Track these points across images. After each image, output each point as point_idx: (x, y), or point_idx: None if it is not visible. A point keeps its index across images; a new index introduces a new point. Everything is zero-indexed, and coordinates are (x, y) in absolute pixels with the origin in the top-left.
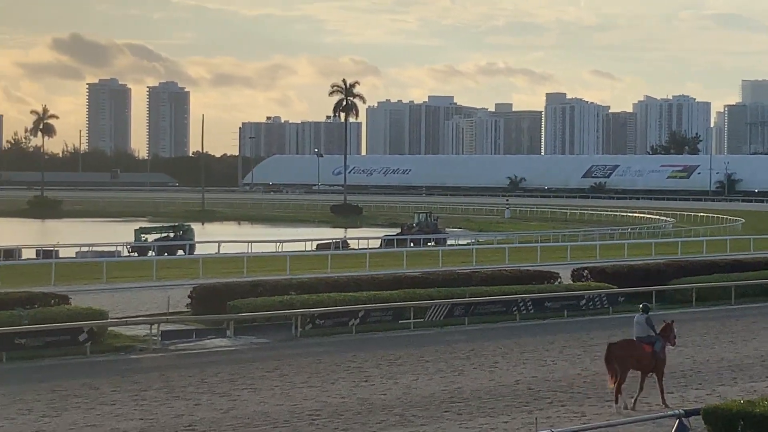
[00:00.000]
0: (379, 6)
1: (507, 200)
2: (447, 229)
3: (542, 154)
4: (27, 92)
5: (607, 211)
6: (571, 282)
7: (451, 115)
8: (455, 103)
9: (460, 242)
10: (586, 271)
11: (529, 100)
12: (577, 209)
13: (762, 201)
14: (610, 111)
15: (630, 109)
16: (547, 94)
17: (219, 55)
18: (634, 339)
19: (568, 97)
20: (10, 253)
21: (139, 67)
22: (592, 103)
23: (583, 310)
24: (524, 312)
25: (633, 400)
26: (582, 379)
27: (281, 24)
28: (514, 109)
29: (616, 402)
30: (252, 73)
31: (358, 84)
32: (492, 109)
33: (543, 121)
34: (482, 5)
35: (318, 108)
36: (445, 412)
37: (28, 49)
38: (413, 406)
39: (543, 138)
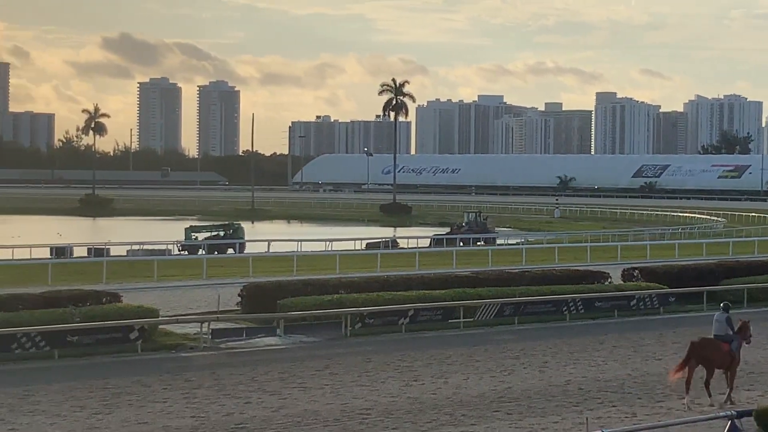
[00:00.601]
0: (429, 5)
1: (557, 200)
2: (496, 229)
3: (592, 153)
4: (78, 91)
5: (657, 211)
6: (622, 282)
7: (500, 115)
8: (505, 103)
9: (510, 242)
10: (636, 271)
11: (579, 99)
12: (627, 209)
13: None
14: (660, 110)
15: (680, 109)
16: (597, 93)
17: (267, 54)
18: (713, 337)
19: (618, 96)
20: (62, 251)
21: (188, 66)
22: (642, 102)
23: (633, 311)
24: (574, 312)
25: (725, 397)
26: (632, 380)
27: (331, 23)
28: (564, 109)
29: (687, 393)
30: (301, 72)
31: (408, 83)
32: (542, 108)
33: (593, 120)
34: (532, 4)
35: (366, 107)
36: (495, 411)
37: (79, 49)
38: (463, 406)
39: (593, 137)
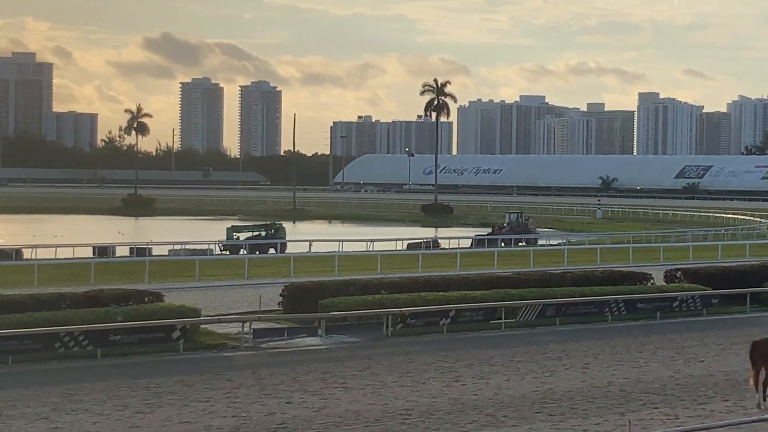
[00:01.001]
0: (471, 5)
1: (599, 200)
2: (538, 229)
3: (634, 154)
4: (119, 91)
5: (700, 212)
6: (664, 283)
7: (542, 115)
8: (547, 103)
9: (552, 242)
10: (679, 272)
11: (621, 99)
12: (669, 210)
13: None
14: (703, 111)
15: (724, 109)
16: (639, 93)
17: (308, 55)
18: None
19: (661, 96)
20: (105, 250)
21: (230, 66)
22: (685, 102)
23: (675, 312)
24: (616, 313)
25: None
26: (675, 382)
27: (372, 23)
28: (606, 109)
29: (763, 397)
30: (342, 72)
31: (449, 84)
32: (584, 108)
33: (635, 120)
34: (575, 4)
35: (408, 107)
36: (537, 413)
37: (121, 49)
38: (505, 407)
39: (635, 138)
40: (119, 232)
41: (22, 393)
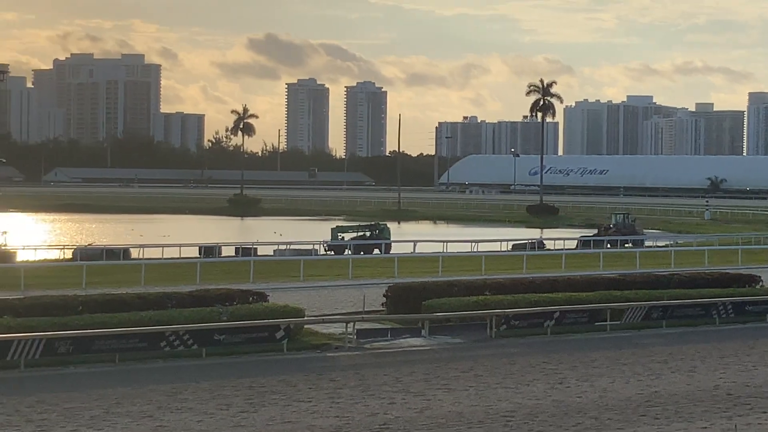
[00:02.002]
0: (575, 5)
1: (707, 201)
2: (645, 231)
3: (744, 154)
4: (224, 92)
5: None
6: None
7: (650, 115)
8: (654, 103)
9: (659, 244)
10: None
11: (729, 99)
12: None
13: None
14: None
15: None
16: (749, 93)
17: (412, 55)
18: None
19: None
20: (211, 250)
21: (333, 67)
22: None
23: None
24: (724, 316)
25: None
26: None
27: (476, 23)
28: (715, 109)
29: None
30: (445, 72)
31: (555, 84)
32: (692, 108)
33: (745, 120)
34: (683, 3)
35: (512, 107)
36: (642, 416)
37: (225, 50)
38: (609, 410)
39: (745, 138)
40: (276, 232)
41: (128, 391)
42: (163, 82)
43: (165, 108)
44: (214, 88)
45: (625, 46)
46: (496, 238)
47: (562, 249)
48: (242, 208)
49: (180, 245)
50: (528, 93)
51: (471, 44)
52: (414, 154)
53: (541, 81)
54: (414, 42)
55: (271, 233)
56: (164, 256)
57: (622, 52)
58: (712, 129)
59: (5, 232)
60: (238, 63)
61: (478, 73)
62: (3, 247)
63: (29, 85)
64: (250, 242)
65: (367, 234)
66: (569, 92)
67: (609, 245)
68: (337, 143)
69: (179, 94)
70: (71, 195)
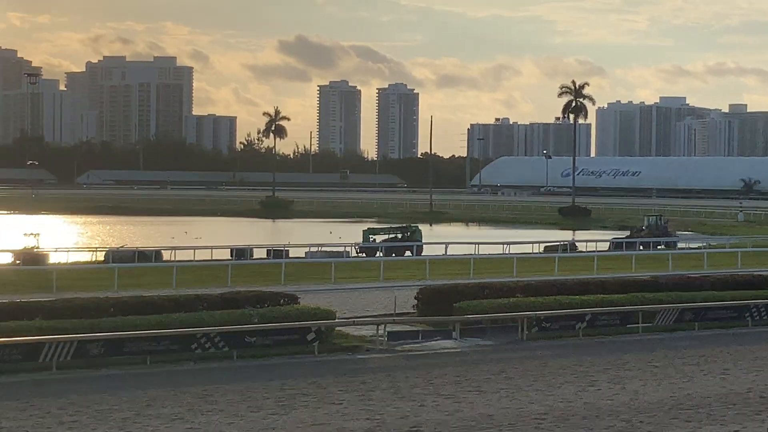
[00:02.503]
0: (609, 6)
1: (740, 203)
2: (677, 233)
3: None
4: (256, 94)
5: None
6: None
7: (682, 116)
8: (687, 104)
9: (691, 246)
10: None
11: (763, 100)
12: None
13: None
14: None
15: None
16: None
17: (443, 56)
18: None
19: None
20: (243, 252)
21: (364, 69)
22: None
23: None
24: (757, 318)
25: None
26: None
27: (508, 25)
28: (748, 110)
29: None
30: (476, 74)
31: (588, 85)
32: (725, 109)
33: None
34: (716, 4)
35: (544, 109)
36: (673, 419)
37: (256, 52)
38: (640, 412)
39: None
40: (332, 233)
41: (159, 393)
42: (194, 84)
43: (197, 110)
44: (245, 90)
45: (657, 47)
46: (528, 240)
47: (594, 251)
48: (274, 210)
49: (212, 247)
50: (560, 94)
51: (502, 46)
52: (446, 156)
53: (573, 82)
54: (445, 43)
55: (301, 235)
56: (196, 258)
57: (653, 54)
58: (745, 130)
59: (38, 235)
60: (269, 65)
61: (509, 74)
62: (35, 250)
63: (62, 87)
64: (282, 244)
65: (399, 236)
66: (600, 93)
67: (641, 247)
68: (368, 145)
69: (211, 97)
70: (104, 197)
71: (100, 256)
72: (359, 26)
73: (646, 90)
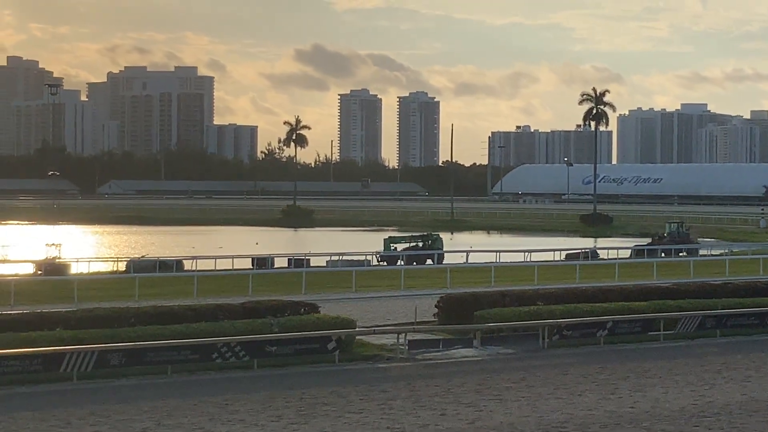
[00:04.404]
0: (628, 13)
1: (762, 210)
2: (699, 239)
3: None
4: (274, 103)
5: None
6: None
7: (704, 123)
8: (708, 111)
9: (713, 253)
10: None
11: None
12: None
13: None
14: None
15: None
16: None
17: (458, 64)
18: None
19: None
20: (264, 261)
21: (381, 77)
22: None
23: None
24: None
25: None
26: None
27: (527, 32)
28: None
29: None
30: (493, 82)
31: (608, 92)
32: (746, 116)
33: None
34: (736, 10)
35: (563, 116)
36: (695, 426)
37: (273, 61)
38: (662, 420)
39: None
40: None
41: (180, 403)
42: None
43: (217, 120)
44: (263, 99)
45: (676, 54)
46: (550, 248)
47: (615, 258)
48: (295, 219)
49: (233, 257)
50: (581, 102)
51: (518, 53)
52: (467, 164)
53: (594, 90)
54: (461, 51)
55: (322, 244)
56: (217, 268)
57: (671, 60)
58: (767, 136)
59: (59, 245)
60: (286, 74)
61: (526, 81)
62: (57, 260)
63: (83, 98)
64: (303, 253)
65: (420, 244)
66: (618, 100)
67: (663, 254)
68: (390, 153)
69: (229, 106)
70: (125, 207)
71: (122, 266)
72: (375, 35)
73: (664, 96)
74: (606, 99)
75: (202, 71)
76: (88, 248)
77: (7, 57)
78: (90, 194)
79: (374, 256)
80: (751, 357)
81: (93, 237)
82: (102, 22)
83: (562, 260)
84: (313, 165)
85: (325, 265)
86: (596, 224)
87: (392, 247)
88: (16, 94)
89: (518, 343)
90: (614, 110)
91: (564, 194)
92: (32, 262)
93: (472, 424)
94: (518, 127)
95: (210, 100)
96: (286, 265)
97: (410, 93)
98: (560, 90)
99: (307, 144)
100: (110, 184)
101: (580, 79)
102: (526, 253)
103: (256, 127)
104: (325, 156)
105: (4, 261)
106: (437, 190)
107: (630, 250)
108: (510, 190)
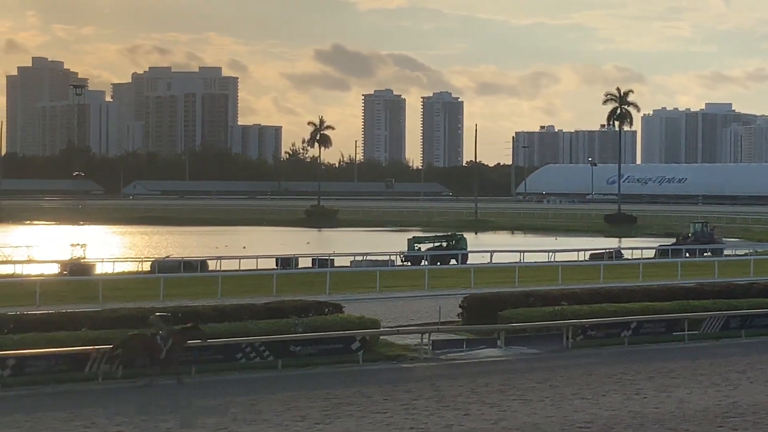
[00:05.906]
0: (652, 13)
1: None
2: (724, 239)
3: None
4: (295, 103)
5: None
6: None
7: (729, 123)
8: (733, 110)
9: (738, 253)
10: None
11: None
12: None
13: None
14: None
15: None
16: None
17: (480, 64)
18: None
19: None
20: (288, 261)
21: (402, 77)
22: None
23: None
24: None
25: None
26: None
27: (549, 32)
28: None
29: None
30: (514, 82)
31: (632, 92)
32: None
33: None
34: (760, 11)
35: (584, 115)
36: (719, 427)
37: (294, 62)
38: (686, 420)
39: None
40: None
41: (204, 403)
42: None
43: (240, 120)
44: (284, 99)
45: (699, 54)
46: (574, 248)
47: (640, 258)
48: (319, 219)
49: (257, 257)
50: (605, 102)
51: (540, 53)
52: (490, 164)
53: (618, 90)
54: (483, 51)
55: (346, 244)
56: (241, 268)
57: (693, 60)
58: None
59: (84, 245)
60: (307, 74)
61: (547, 81)
62: (82, 260)
63: (108, 98)
64: (327, 253)
65: (444, 245)
66: (641, 100)
67: (687, 254)
68: (414, 154)
69: (252, 106)
70: (150, 208)
71: (146, 267)
72: (397, 35)
73: (686, 96)
74: (630, 99)
75: (225, 72)
76: (113, 248)
77: (32, 58)
78: (115, 195)
79: (398, 256)
80: None
81: (117, 237)
82: (125, 22)
83: (586, 260)
84: (337, 165)
85: (349, 265)
86: (620, 224)
87: (416, 248)
88: (41, 95)
89: (542, 343)
90: (638, 110)
91: (588, 194)
92: (57, 262)
93: (495, 424)
94: (542, 127)
95: (234, 101)
96: (311, 266)
97: (434, 93)
98: (581, 90)
99: (331, 144)
100: (135, 184)
101: (602, 79)
102: (550, 253)
103: (281, 127)
104: (349, 156)
105: (29, 261)
106: (461, 190)
107: (654, 250)
108: (534, 190)
